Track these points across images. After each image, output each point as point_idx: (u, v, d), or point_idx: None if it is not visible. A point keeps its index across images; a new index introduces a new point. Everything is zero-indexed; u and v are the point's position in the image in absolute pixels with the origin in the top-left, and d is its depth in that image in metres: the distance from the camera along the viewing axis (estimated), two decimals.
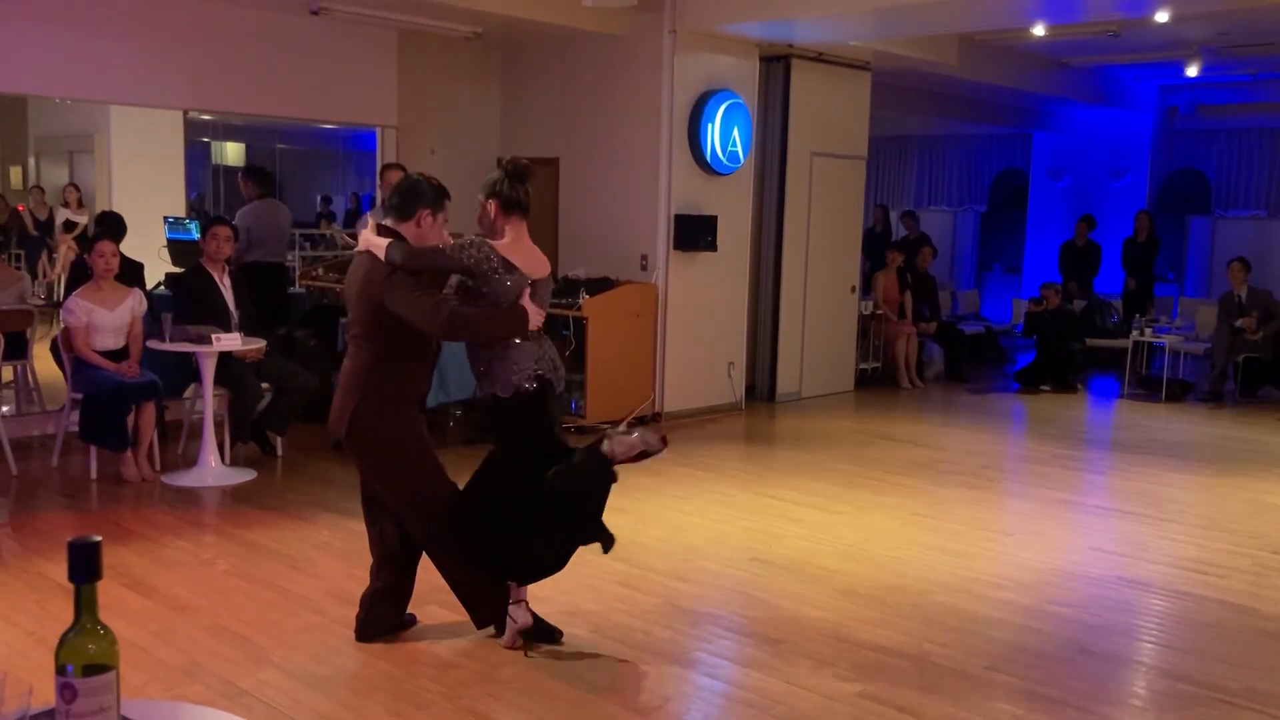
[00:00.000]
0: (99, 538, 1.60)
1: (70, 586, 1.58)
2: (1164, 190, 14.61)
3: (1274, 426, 9.16)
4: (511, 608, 4.02)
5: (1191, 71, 11.34)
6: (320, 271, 8.95)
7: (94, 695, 1.58)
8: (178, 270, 7.41)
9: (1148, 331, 10.68)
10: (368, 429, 3.91)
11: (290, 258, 9.29)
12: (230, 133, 10.55)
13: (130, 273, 6.91)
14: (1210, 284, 14.05)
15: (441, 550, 4.01)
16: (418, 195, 3.95)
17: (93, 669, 1.58)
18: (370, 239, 3.90)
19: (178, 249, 7.93)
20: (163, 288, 7.63)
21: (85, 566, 1.59)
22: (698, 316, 8.76)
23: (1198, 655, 4.27)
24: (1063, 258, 12.99)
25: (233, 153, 10.87)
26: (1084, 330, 11.31)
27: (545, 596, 4.62)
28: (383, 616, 4.12)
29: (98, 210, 8.03)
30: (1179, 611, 4.77)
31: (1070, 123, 14.45)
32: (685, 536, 5.58)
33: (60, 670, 1.58)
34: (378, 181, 7.96)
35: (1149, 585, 5.08)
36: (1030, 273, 14.72)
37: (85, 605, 1.60)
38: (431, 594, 4.58)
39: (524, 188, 3.98)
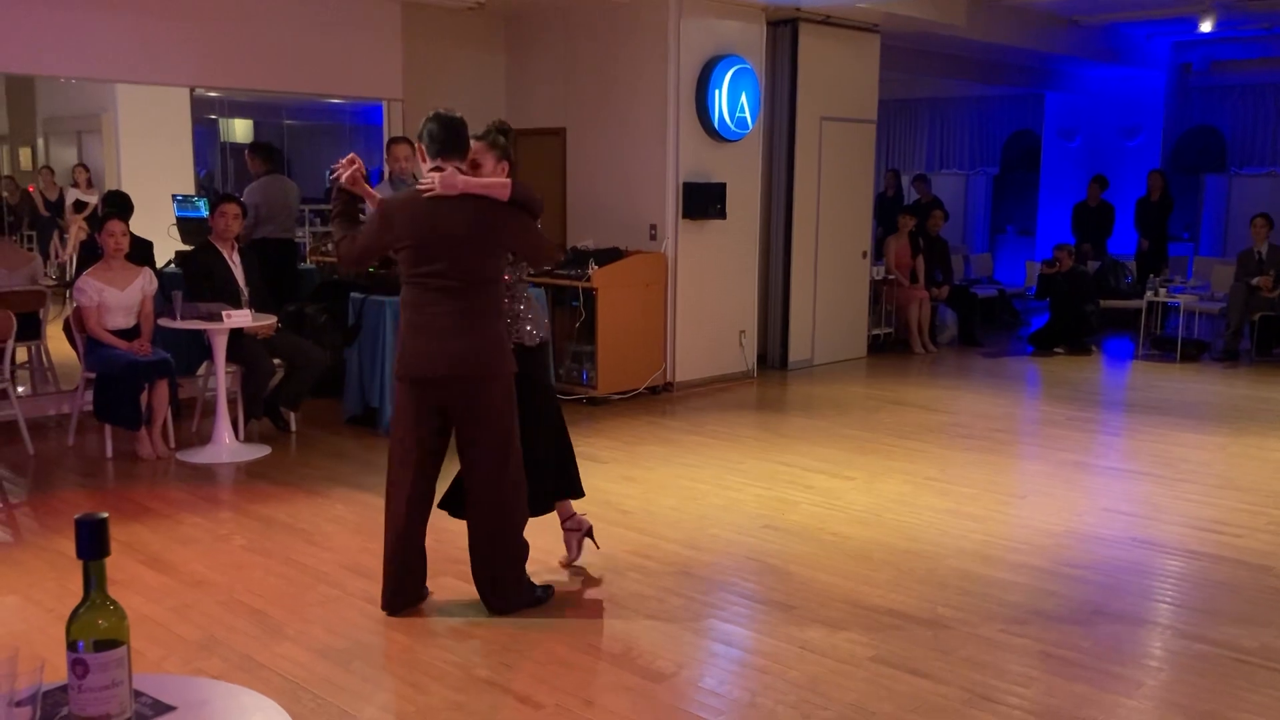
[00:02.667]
0: (105, 514, 1.61)
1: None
2: (1178, 149, 14.46)
3: None
4: (567, 534, 4.60)
5: (1205, 27, 11.18)
6: (330, 247, 8.96)
7: (106, 670, 1.59)
8: (187, 248, 7.42)
9: (1162, 292, 10.60)
10: (506, 364, 4.00)
11: (300, 234, 9.29)
12: (238, 109, 10.51)
13: (140, 251, 6.92)
14: (1225, 243, 13.93)
15: (516, 493, 4.09)
16: (465, 132, 4.02)
17: (104, 644, 1.60)
18: (483, 181, 3.93)
19: (187, 227, 7.94)
20: (173, 266, 7.64)
21: (93, 543, 1.60)
22: (708, 285, 8.74)
23: (1213, 615, 4.26)
24: (1075, 219, 12.90)
25: (241, 130, 10.84)
26: (1098, 292, 11.24)
27: (559, 567, 4.65)
28: (413, 589, 4.16)
29: (107, 190, 8.03)
30: (1194, 572, 4.76)
31: (1082, 82, 14.29)
32: (697, 505, 5.59)
33: (71, 646, 1.59)
34: (385, 155, 7.94)
35: (1163, 546, 5.07)
36: (1044, 235, 14.63)
37: (95, 581, 1.61)
38: (446, 565, 4.61)
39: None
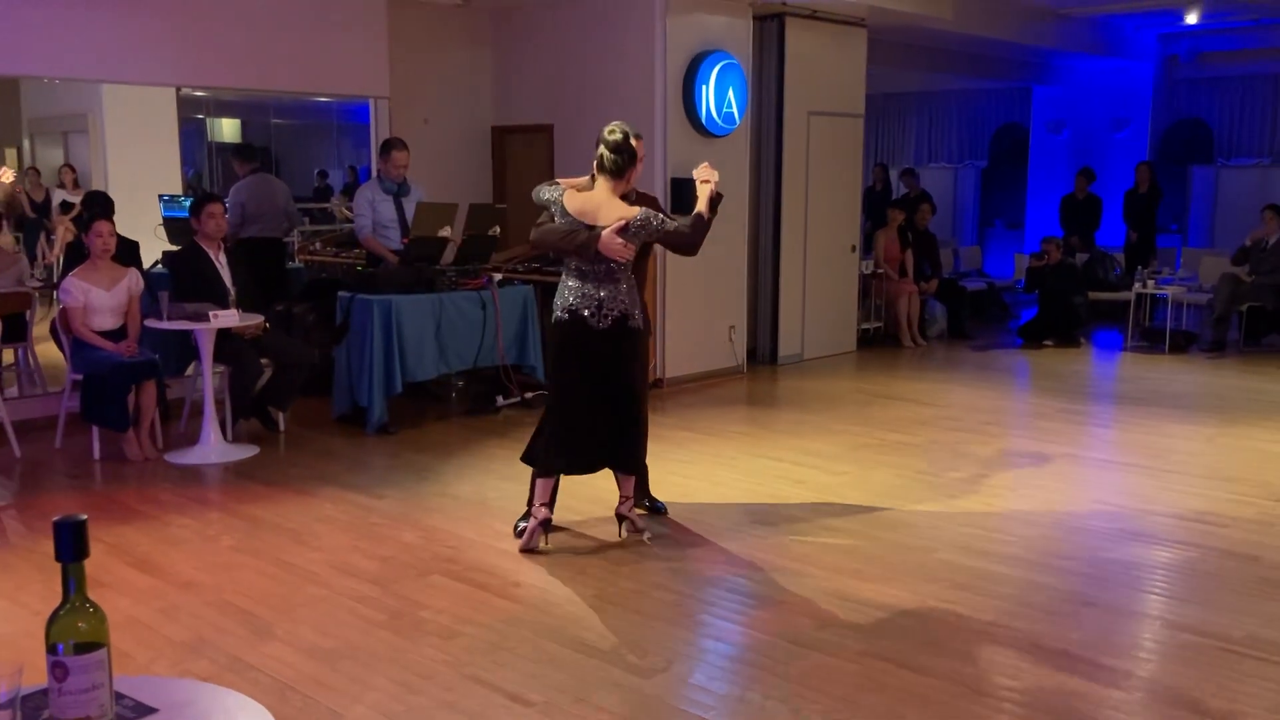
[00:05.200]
0: (84, 516, 1.60)
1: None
2: (1165, 140, 14.49)
3: (1278, 375, 9.13)
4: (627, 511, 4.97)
5: (1191, 19, 11.23)
6: (319, 246, 8.93)
7: (86, 673, 1.58)
8: (174, 249, 7.39)
9: (1150, 283, 10.63)
10: (647, 326, 4.94)
11: (292, 234, 9.26)
12: (225, 109, 10.47)
13: (126, 252, 6.89)
14: (1214, 234, 13.97)
15: (642, 425, 4.91)
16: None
17: (84, 647, 1.59)
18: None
19: (174, 227, 7.90)
20: (160, 266, 7.61)
21: (72, 545, 1.59)
22: (697, 281, 8.73)
23: (1201, 605, 4.27)
24: (1063, 211, 12.92)
25: (228, 129, 10.80)
26: (1086, 284, 11.26)
27: (549, 564, 4.65)
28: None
29: (86, 191, 7.99)
30: (1182, 562, 4.78)
31: (1069, 75, 14.32)
32: (688, 500, 5.58)
33: (51, 649, 1.58)
34: (377, 156, 7.89)
35: (1152, 537, 5.08)
36: (1032, 227, 14.65)
37: (75, 583, 1.60)
38: (435, 564, 4.61)
39: (609, 155, 4.65)
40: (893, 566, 4.65)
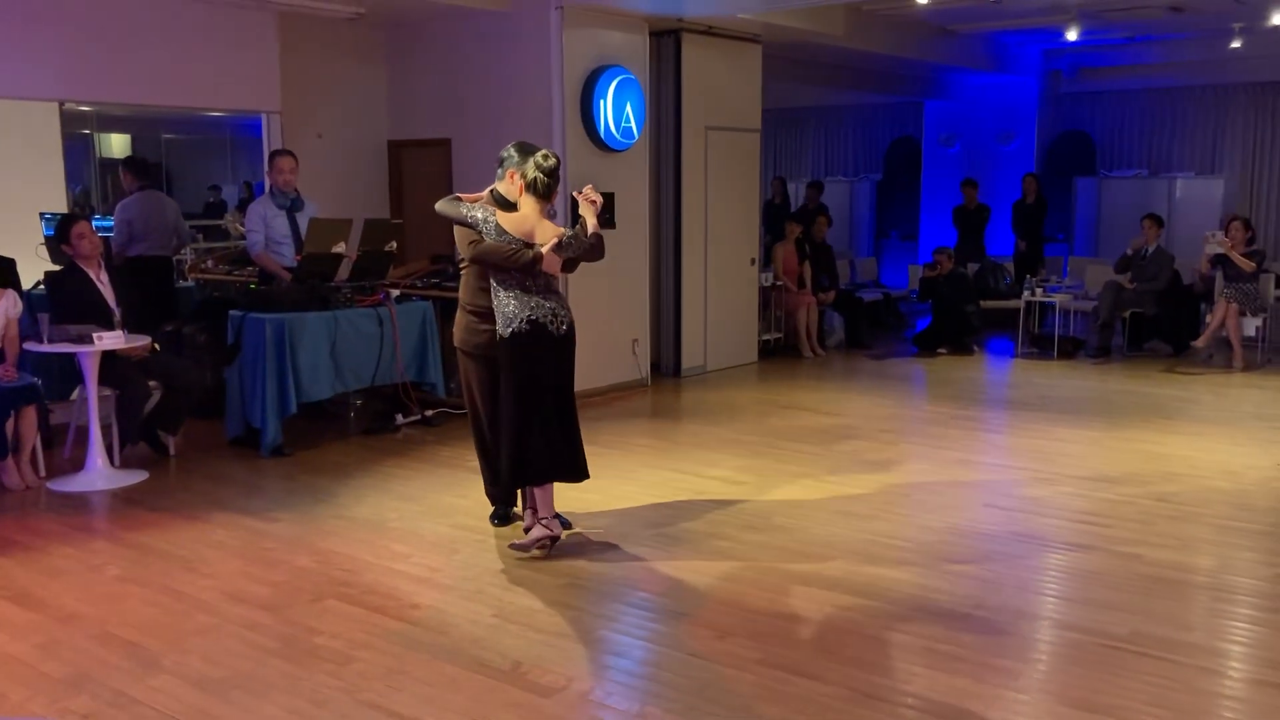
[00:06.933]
0: None
1: None
2: (1051, 153, 14.98)
3: (1159, 379, 9.49)
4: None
5: (1071, 35, 11.62)
6: (211, 264, 8.71)
7: None
8: (57, 268, 7.14)
9: (1039, 291, 10.95)
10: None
11: (185, 251, 9.02)
12: (113, 124, 10.18)
13: (2, 271, 6.62)
14: (1098, 243, 14.47)
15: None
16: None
17: None
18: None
19: (56, 246, 7.62)
20: (41, 287, 7.34)
21: None
22: (599, 294, 8.73)
23: (1087, 604, 4.41)
24: (956, 222, 13.27)
25: (118, 145, 10.49)
26: (978, 293, 11.56)
27: (448, 585, 4.60)
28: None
29: None
30: (1070, 563, 4.92)
31: (959, 90, 14.71)
32: (590, 514, 5.57)
33: None
34: (267, 168, 7.76)
35: (1042, 539, 5.23)
36: (926, 239, 15.00)
37: None
38: (330, 588, 4.52)
39: (543, 179, 4.91)
40: (790, 575, 4.70)
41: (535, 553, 4.92)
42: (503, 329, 4.89)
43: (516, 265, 4.82)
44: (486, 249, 4.87)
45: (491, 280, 4.95)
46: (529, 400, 4.91)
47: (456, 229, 5.04)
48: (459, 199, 5.07)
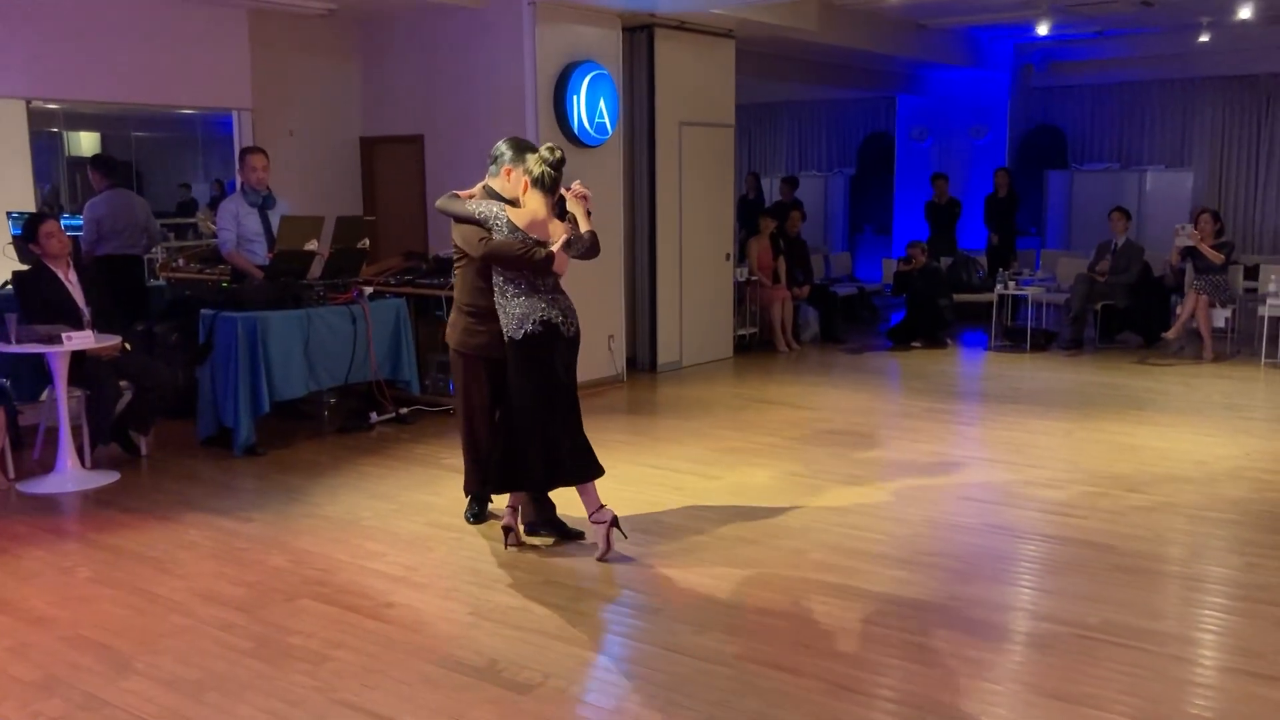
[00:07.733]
0: None
1: None
2: (1023, 147, 15.07)
3: (1131, 370, 9.57)
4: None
5: (1042, 30, 11.70)
6: (182, 262, 8.64)
7: None
8: (25, 268, 7.06)
9: (1011, 285, 11.02)
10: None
11: (156, 250, 8.94)
12: (82, 122, 10.07)
13: None
14: (1070, 236, 14.58)
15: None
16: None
17: None
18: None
19: (24, 246, 7.54)
20: (9, 287, 7.26)
21: None
22: (575, 290, 8.51)
23: (1060, 595, 4.44)
24: (927, 216, 13.33)
25: (87, 143, 10.38)
26: (951, 286, 11.62)
27: (423, 583, 4.58)
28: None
29: None
30: (1043, 554, 4.96)
31: (932, 84, 14.78)
32: (566, 511, 5.56)
33: None
34: (238, 165, 7.70)
35: (1016, 530, 5.26)
36: (899, 233, 15.06)
37: None
38: (304, 587, 4.50)
39: (550, 172, 4.79)
40: (767, 568, 4.71)
41: (612, 543, 4.84)
42: (514, 331, 4.77)
43: (530, 264, 4.71)
44: (499, 246, 4.72)
45: (497, 280, 4.81)
46: (552, 402, 4.81)
47: (459, 227, 4.90)
48: (457, 196, 4.96)
